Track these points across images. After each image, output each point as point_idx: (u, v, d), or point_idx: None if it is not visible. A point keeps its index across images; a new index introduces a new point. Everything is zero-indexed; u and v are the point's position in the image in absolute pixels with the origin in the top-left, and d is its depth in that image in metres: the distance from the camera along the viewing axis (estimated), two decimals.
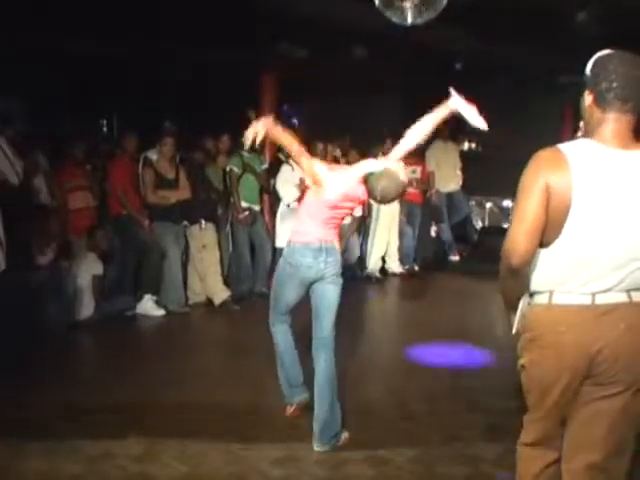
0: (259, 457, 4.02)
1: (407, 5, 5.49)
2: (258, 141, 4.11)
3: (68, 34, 7.66)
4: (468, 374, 5.56)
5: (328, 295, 4.20)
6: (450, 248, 10.93)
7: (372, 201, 4.20)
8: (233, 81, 9.57)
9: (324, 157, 7.12)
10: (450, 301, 8.65)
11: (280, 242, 7.94)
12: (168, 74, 9.57)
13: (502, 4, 7.77)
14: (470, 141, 13.36)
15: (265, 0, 7.61)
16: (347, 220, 3.86)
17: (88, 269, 7.05)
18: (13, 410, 4.54)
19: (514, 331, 2.58)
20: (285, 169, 7.81)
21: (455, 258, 10.93)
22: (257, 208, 8.23)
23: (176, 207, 7.56)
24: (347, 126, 9.58)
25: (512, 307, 2.58)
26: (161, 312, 7.42)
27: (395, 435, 4.35)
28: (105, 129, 11.83)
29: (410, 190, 10.21)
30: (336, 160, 8.07)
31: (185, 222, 7.74)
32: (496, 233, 12.54)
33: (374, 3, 5.50)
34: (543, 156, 2.40)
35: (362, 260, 9.54)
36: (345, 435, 4.21)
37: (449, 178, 10.75)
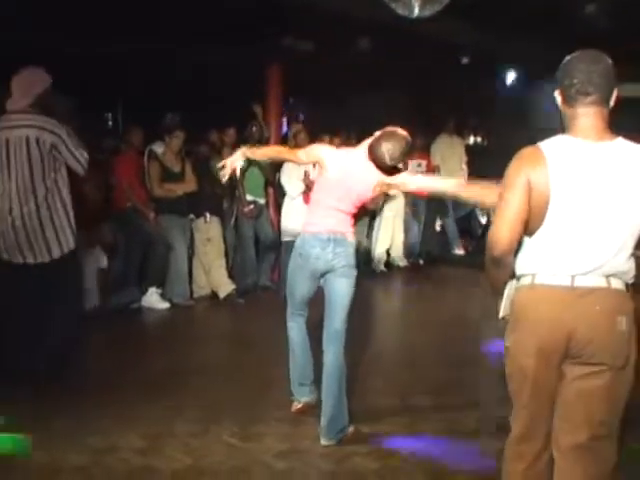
0: (263, 450, 4.03)
1: None
2: (237, 172, 4.41)
3: (72, 27, 7.64)
4: (472, 367, 5.55)
5: (339, 288, 4.16)
6: (455, 242, 10.91)
7: (383, 166, 3.99)
8: (238, 75, 9.54)
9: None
10: (454, 295, 8.65)
11: (285, 236, 7.94)
12: (173, 68, 9.55)
13: None
14: (476, 135, 13.34)
15: None
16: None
17: (93, 262, 7.05)
18: (15, 402, 4.53)
19: (500, 316, 2.73)
20: (290, 163, 7.79)
21: (460, 252, 10.91)
22: (262, 201, 8.22)
23: (182, 200, 7.56)
24: (352, 120, 9.57)
25: (499, 294, 2.75)
26: (166, 305, 7.43)
27: (399, 429, 4.36)
28: (110, 123, 11.83)
29: None
30: None
31: (191, 215, 7.74)
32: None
33: None
34: (524, 154, 2.58)
35: (367, 253, 9.54)
36: (351, 429, 4.20)
37: (454, 172, 10.71)
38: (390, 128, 4.06)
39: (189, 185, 7.61)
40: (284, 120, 10.42)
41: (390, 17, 6.10)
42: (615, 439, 2.63)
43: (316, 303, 4.41)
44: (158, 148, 7.65)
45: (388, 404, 4.79)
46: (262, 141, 7.72)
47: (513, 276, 2.69)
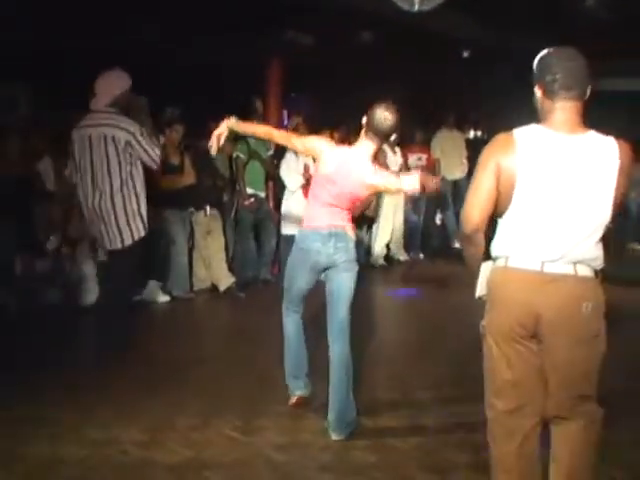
0: (263, 443, 4.04)
1: None
2: (222, 142, 4.35)
3: (72, 19, 7.64)
4: (471, 361, 5.55)
5: (342, 283, 4.17)
6: (455, 236, 10.90)
7: (383, 133, 4.05)
8: (239, 68, 9.54)
9: None
10: (454, 288, 8.63)
11: (285, 229, 7.95)
12: (173, 61, 9.55)
13: None
14: (476, 129, 13.34)
15: None
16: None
17: (93, 255, 7.05)
18: (16, 394, 4.55)
19: (476, 295, 2.93)
20: (289, 156, 7.80)
21: (460, 246, 10.92)
22: (262, 195, 8.23)
23: (182, 193, 7.55)
24: (353, 114, 9.56)
25: (473, 271, 2.94)
26: (166, 298, 7.44)
27: (399, 422, 4.37)
28: None
29: None
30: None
31: (191, 208, 7.74)
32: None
33: None
34: (497, 140, 2.73)
35: (367, 247, 9.55)
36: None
37: (455, 166, 10.73)
38: (380, 106, 4.07)
39: (188, 178, 7.60)
40: (284, 114, 10.42)
41: (391, 11, 6.10)
42: (594, 401, 2.80)
43: (314, 297, 4.43)
44: None
45: (388, 398, 4.81)
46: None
47: (489, 257, 2.83)
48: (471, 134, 13.14)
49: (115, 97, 5.28)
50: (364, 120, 4.09)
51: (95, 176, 5.29)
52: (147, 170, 7.43)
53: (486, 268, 2.84)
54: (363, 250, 9.27)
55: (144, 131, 5.32)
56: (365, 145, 4.10)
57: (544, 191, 2.62)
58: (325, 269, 4.18)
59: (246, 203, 7.99)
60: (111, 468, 3.73)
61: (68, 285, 6.88)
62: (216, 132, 4.34)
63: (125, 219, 5.33)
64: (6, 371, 4.92)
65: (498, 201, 2.70)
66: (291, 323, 4.45)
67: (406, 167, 9.96)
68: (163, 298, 7.42)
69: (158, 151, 5.41)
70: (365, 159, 4.09)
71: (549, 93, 2.67)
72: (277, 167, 8.12)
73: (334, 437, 4.10)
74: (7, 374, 4.86)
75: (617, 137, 2.70)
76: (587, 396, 2.76)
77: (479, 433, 4.15)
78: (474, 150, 11.13)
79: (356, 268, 4.22)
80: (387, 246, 9.90)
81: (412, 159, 10.21)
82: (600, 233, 2.69)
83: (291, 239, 7.76)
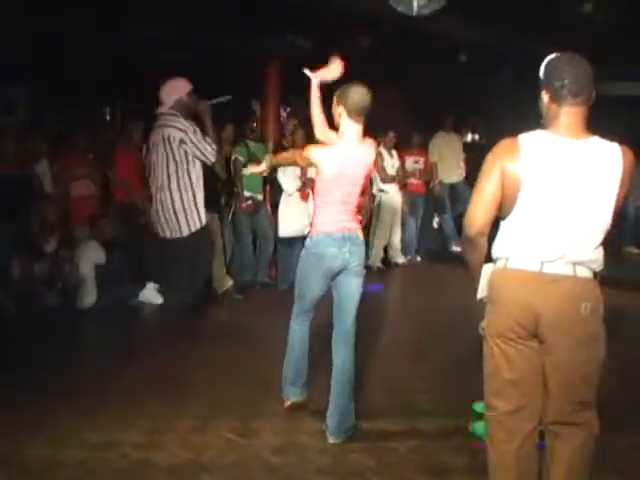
0: (261, 445, 4.05)
1: None
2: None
3: (71, 19, 7.64)
4: (469, 364, 5.56)
5: (352, 287, 4.16)
6: (452, 239, 10.91)
7: (359, 111, 4.05)
8: (237, 71, 9.54)
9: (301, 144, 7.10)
10: (451, 291, 8.65)
11: (282, 232, 7.96)
12: (171, 64, 9.54)
13: None
14: (474, 133, 13.36)
15: None
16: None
17: (91, 257, 7.06)
18: (15, 398, 4.55)
19: (478, 297, 2.89)
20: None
21: (457, 249, 10.88)
22: (260, 197, 8.22)
23: None
24: None
25: (474, 274, 2.92)
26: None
27: (397, 426, 4.37)
28: (108, 117, 11.81)
29: (413, 181, 10.26)
30: None
31: None
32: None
33: None
34: (502, 145, 2.76)
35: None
36: None
37: (452, 169, 10.74)
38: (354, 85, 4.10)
39: None
40: (284, 116, 10.43)
41: (390, 15, 6.11)
42: (594, 410, 2.82)
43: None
44: None
45: (386, 401, 4.82)
46: (262, 137, 7.74)
47: (490, 259, 2.86)
48: (469, 137, 13.18)
49: (174, 101, 5.79)
50: (339, 107, 4.06)
51: (158, 172, 5.85)
52: (141, 172, 7.48)
53: (487, 270, 2.87)
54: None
55: (197, 130, 5.78)
56: (353, 128, 4.08)
57: (548, 195, 2.66)
58: (337, 274, 4.15)
59: (243, 206, 7.98)
60: (111, 471, 3.73)
61: (66, 288, 6.87)
62: (257, 170, 4.71)
63: (183, 212, 5.84)
64: (5, 374, 4.92)
65: (502, 204, 2.75)
66: (298, 332, 4.41)
67: (403, 170, 9.99)
68: (160, 300, 7.41)
69: (211, 149, 5.84)
70: (361, 143, 4.13)
71: (556, 98, 2.70)
72: (274, 170, 8.13)
73: (331, 440, 4.10)
74: (6, 377, 4.87)
75: (619, 142, 2.73)
76: (586, 402, 2.77)
77: (476, 437, 4.20)
78: (472, 153, 11.18)
79: (364, 272, 4.22)
80: (385, 249, 9.91)
81: (409, 162, 10.22)
82: (601, 237, 2.73)
83: (288, 242, 7.86)
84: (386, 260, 9.94)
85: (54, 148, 7.76)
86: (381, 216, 9.59)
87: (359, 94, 4.04)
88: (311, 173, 7.18)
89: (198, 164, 5.91)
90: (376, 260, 9.66)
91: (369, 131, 4.21)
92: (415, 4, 5.88)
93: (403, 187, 9.95)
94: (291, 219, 7.85)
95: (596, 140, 2.71)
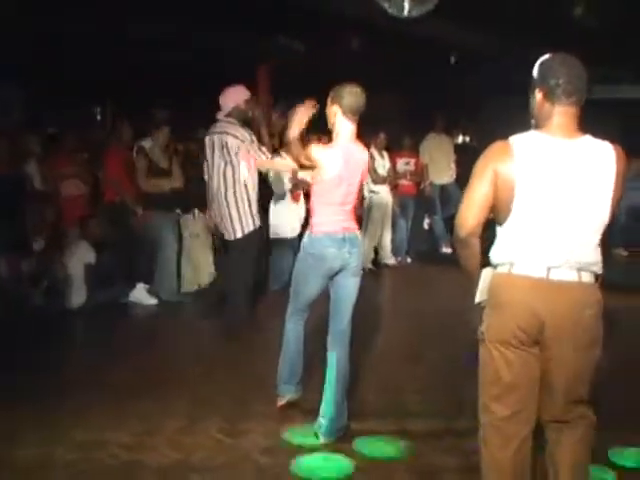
0: (251, 446, 4.04)
1: None
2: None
3: (68, 21, 7.63)
4: (459, 365, 5.57)
5: (349, 288, 4.16)
6: (442, 240, 10.92)
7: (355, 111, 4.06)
8: (229, 72, 9.54)
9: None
10: (442, 293, 8.67)
11: (273, 233, 7.94)
12: (163, 64, 9.54)
13: None
14: (464, 134, 13.39)
15: None
16: None
17: (80, 257, 7.05)
18: (3, 398, 4.53)
19: (476, 301, 2.86)
20: (277, 160, 7.77)
21: (447, 250, 10.90)
22: None
23: (170, 196, 7.54)
24: None
25: (471, 276, 2.90)
26: (153, 301, 7.42)
27: (387, 426, 4.37)
28: (99, 117, 11.80)
29: (404, 182, 10.27)
30: None
31: (178, 211, 7.74)
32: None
33: None
34: (494, 147, 2.74)
35: None
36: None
37: (443, 171, 10.75)
38: (349, 86, 4.11)
39: (175, 181, 7.59)
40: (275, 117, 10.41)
41: (380, 17, 6.12)
42: (591, 406, 2.85)
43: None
44: (147, 144, 7.65)
45: (376, 402, 4.81)
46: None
47: (488, 263, 2.85)
48: (460, 139, 13.21)
49: (232, 108, 6.02)
50: (334, 107, 4.07)
51: (215, 177, 6.09)
52: (131, 172, 7.48)
53: (487, 274, 2.86)
54: None
55: (254, 139, 6.03)
56: (348, 128, 4.10)
57: (544, 197, 2.64)
58: (335, 274, 4.15)
59: None
60: (100, 471, 3.72)
61: (55, 287, 6.85)
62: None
63: (237, 216, 6.05)
64: None
65: (497, 209, 2.73)
66: (293, 330, 4.40)
67: (394, 172, 10.00)
68: (150, 300, 7.40)
69: (266, 158, 6.11)
70: (357, 143, 4.17)
71: (550, 97, 2.69)
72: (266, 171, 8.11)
73: (323, 441, 4.10)
74: None
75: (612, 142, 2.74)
76: (582, 399, 2.81)
77: (468, 438, 4.19)
78: (463, 155, 11.20)
79: (362, 273, 4.24)
80: (375, 250, 9.91)
81: (400, 164, 10.23)
82: (598, 237, 2.73)
83: (280, 243, 7.85)
84: (376, 261, 9.94)
85: (45, 148, 7.74)
86: (371, 217, 9.59)
87: (354, 94, 4.06)
88: (302, 175, 7.17)
89: (254, 171, 6.16)
90: (366, 261, 9.65)
91: (360, 132, 4.22)
92: (406, 6, 5.89)
93: (394, 188, 9.96)
94: (282, 220, 7.84)
95: (589, 139, 2.72)
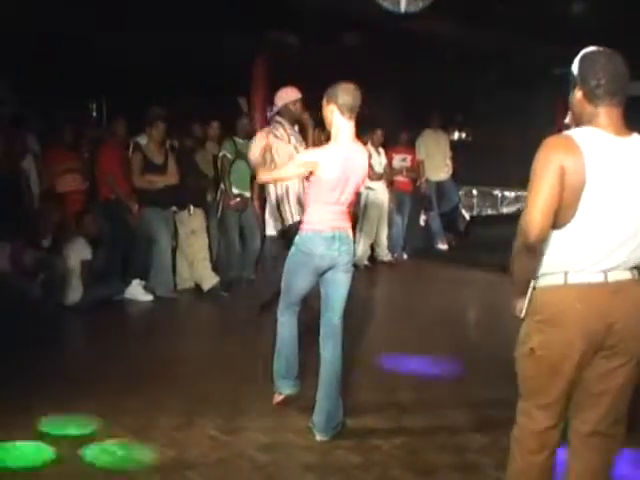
0: (246, 443, 4.03)
1: None
2: None
3: (59, 18, 7.61)
4: (455, 363, 5.58)
5: (340, 284, 4.16)
6: (438, 237, 10.93)
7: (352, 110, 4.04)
8: (224, 67, 9.52)
9: (318, 144, 7.10)
10: (438, 290, 8.68)
11: (269, 230, 7.93)
12: (158, 59, 9.51)
13: None
14: (460, 131, 13.39)
15: None
16: None
17: (77, 254, 7.02)
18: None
19: (522, 315, 2.68)
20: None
21: (444, 247, 10.94)
22: (248, 195, 8.20)
23: (165, 192, 7.53)
24: None
25: (522, 289, 2.68)
26: (149, 297, 7.41)
27: (383, 423, 4.37)
28: (94, 114, 11.76)
29: (400, 178, 10.27)
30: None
31: (174, 207, 7.73)
32: (484, 223, 12.59)
33: None
34: (555, 141, 2.54)
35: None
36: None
37: (439, 167, 10.76)
38: (344, 84, 4.08)
39: (170, 178, 7.58)
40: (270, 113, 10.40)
41: (377, 12, 6.11)
42: (625, 420, 2.79)
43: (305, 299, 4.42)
44: (142, 140, 7.63)
45: (372, 398, 4.81)
46: (250, 134, 7.72)
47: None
48: (455, 135, 13.20)
49: (281, 107, 5.89)
50: (330, 106, 4.05)
51: None
52: (126, 168, 7.46)
53: (530, 285, 2.67)
54: None
55: (299, 139, 5.95)
56: (346, 126, 4.07)
57: (608, 196, 2.50)
58: (325, 271, 4.15)
59: (231, 203, 7.97)
60: (94, 469, 3.70)
61: (52, 282, 6.82)
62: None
63: (278, 210, 6.06)
64: None
65: (558, 210, 2.51)
66: (286, 325, 4.40)
67: (390, 168, 10.00)
68: (146, 297, 7.40)
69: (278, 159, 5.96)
70: (358, 144, 4.15)
71: (592, 97, 2.56)
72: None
73: (318, 438, 4.10)
74: None
75: None
76: (623, 414, 2.75)
77: (463, 434, 4.21)
78: (458, 151, 11.20)
79: (353, 270, 4.22)
80: (371, 246, 9.91)
81: (396, 160, 10.23)
82: None
83: (275, 240, 7.83)
84: (373, 258, 9.95)
85: (41, 144, 7.71)
86: (368, 213, 9.59)
87: (349, 92, 4.04)
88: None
89: None
90: (363, 258, 9.66)
91: (356, 129, 4.19)
92: (402, 2, 5.88)
93: (390, 185, 9.97)
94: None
95: (638, 137, 2.60)
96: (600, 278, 2.56)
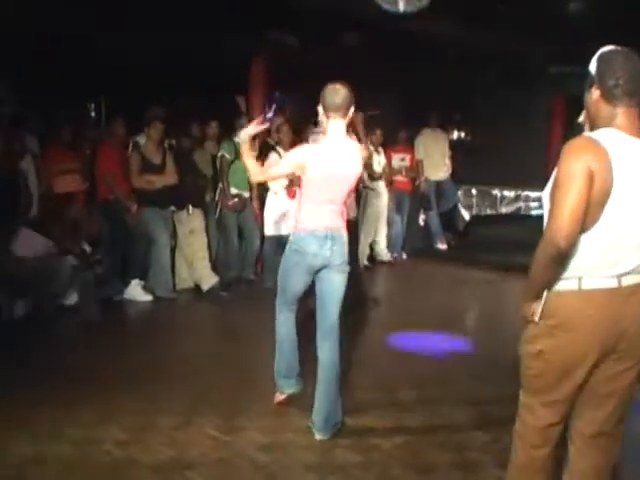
0: (246, 443, 4.04)
1: None
2: None
3: (58, 18, 7.60)
4: (455, 361, 5.59)
5: (334, 284, 4.16)
6: (438, 237, 10.93)
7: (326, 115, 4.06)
8: (223, 67, 9.52)
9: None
10: (437, 289, 8.70)
11: (268, 230, 7.94)
12: (157, 59, 9.51)
13: None
14: (459, 130, 13.39)
15: None
16: None
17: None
18: None
19: (536, 319, 2.62)
20: (273, 156, 7.77)
21: (443, 247, 10.93)
22: (247, 195, 8.21)
23: (163, 192, 7.52)
24: None
25: (538, 293, 2.61)
26: (148, 297, 7.41)
27: (383, 422, 4.38)
28: (93, 114, 11.75)
29: (399, 178, 10.28)
30: None
31: (172, 207, 7.72)
32: (483, 222, 12.59)
33: None
34: (580, 144, 2.47)
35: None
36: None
37: (438, 166, 10.75)
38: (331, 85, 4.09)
39: (169, 178, 7.56)
40: (270, 113, 10.41)
41: (377, 13, 6.10)
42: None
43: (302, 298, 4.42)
44: (142, 140, 7.63)
45: (372, 397, 4.81)
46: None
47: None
48: (455, 135, 13.20)
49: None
50: (319, 107, 4.07)
51: None
52: (125, 168, 7.46)
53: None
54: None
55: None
56: (334, 126, 4.08)
57: (630, 202, 2.46)
58: (319, 270, 4.17)
59: (230, 203, 7.98)
60: (94, 468, 3.71)
61: (54, 283, 6.82)
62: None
63: None
64: None
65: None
66: (284, 323, 4.41)
67: (390, 167, 10.00)
68: (145, 297, 7.39)
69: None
70: (349, 143, 4.16)
71: (610, 97, 2.51)
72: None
73: (318, 437, 4.10)
74: None
75: None
76: (624, 413, 2.76)
77: (461, 433, 4.22)
78: (457, 151, 11.19)
79: (348, 270, 4.22)
80: (370, 246, 9.92)
81: (396, 159, 10.24)
82: None
83: (274, 239, 7.84)
84: (372, 257, 9.95)
85: (40, 144, 7.71)
86: (367, 213, 9.60)
87: (332, 91, 4.05)
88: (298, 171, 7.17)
89: None
90: (362, 257, 9.66)
91: (354, 128, 4.20)
92: (400, 2, 5.88)
93: (389, 184, 9.97)
94: (277, 217, 7.83)
95: None
96: (614, 284, 2.53)
